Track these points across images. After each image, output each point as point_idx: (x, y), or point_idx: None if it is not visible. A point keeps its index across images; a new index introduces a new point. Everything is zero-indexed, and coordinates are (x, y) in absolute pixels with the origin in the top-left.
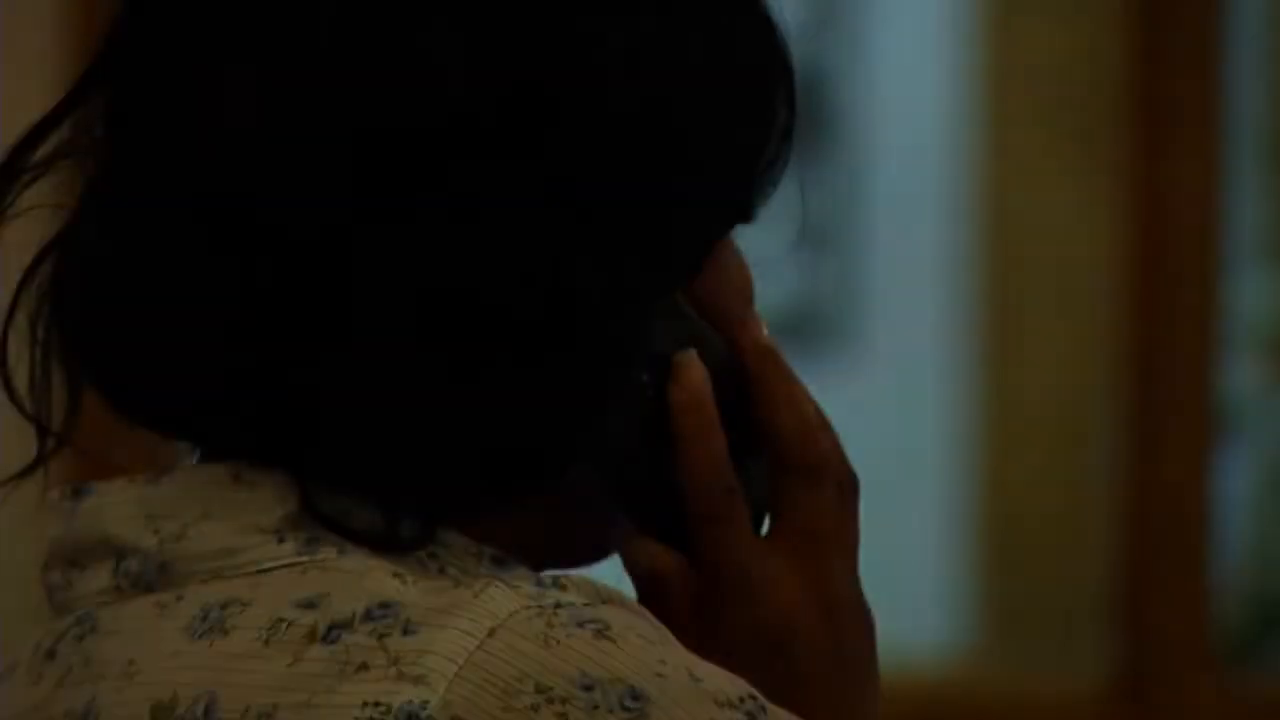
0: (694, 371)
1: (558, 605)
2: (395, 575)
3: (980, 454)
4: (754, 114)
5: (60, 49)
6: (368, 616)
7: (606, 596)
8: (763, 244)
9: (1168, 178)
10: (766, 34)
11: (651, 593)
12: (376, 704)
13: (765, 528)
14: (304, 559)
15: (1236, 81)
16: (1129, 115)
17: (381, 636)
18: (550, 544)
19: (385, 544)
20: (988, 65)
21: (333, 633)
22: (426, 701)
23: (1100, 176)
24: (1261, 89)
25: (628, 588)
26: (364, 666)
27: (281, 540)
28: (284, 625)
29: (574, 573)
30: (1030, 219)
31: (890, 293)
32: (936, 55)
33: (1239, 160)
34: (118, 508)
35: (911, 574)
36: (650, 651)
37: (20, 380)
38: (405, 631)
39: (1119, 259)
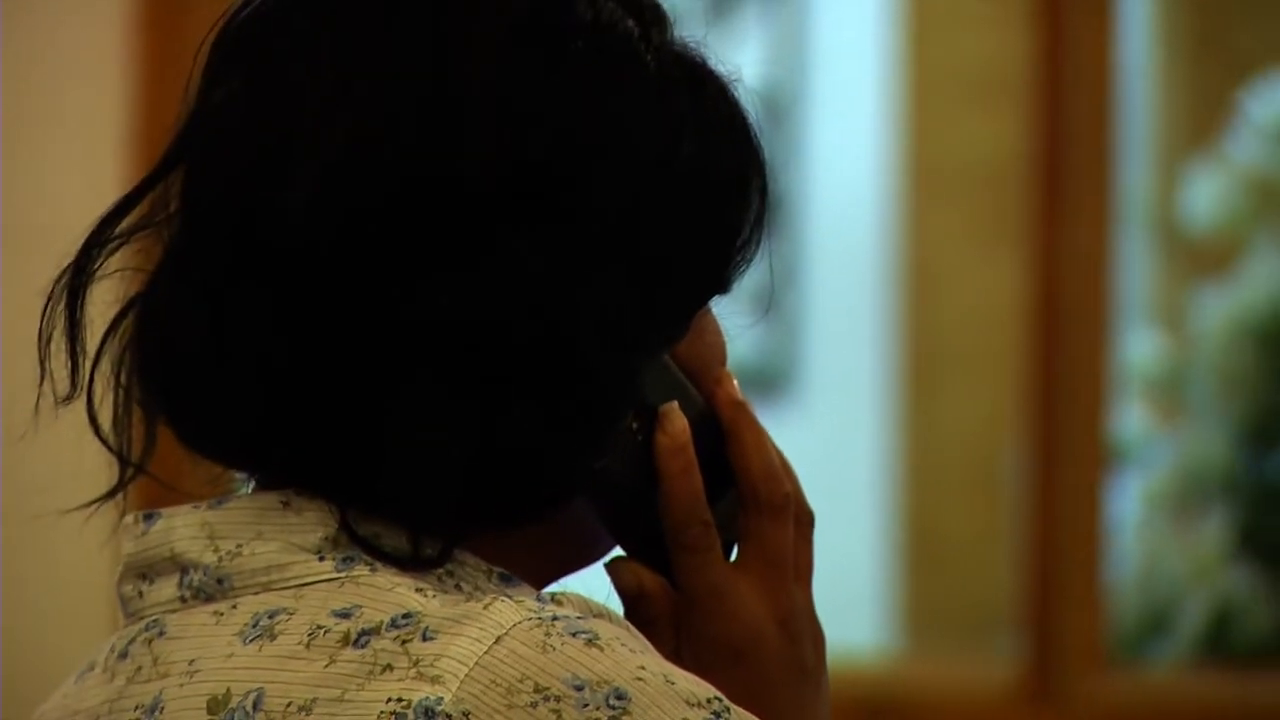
0: (676, 420)
1: (554, 618)
2: (418, 590)
3: (905, 484)
4: (733, 202)
5: (128, 132)
6: (393, 625)
7: (597, 611)
8: (733, 312)
9: (1066, 247)
10: (744, 134)
11: (636, 608)
12: (400, 700)
13: (734, 555)
14: (341, 575)
15: (1126, 163)
16: (1033, 193)
17: (404, 642)
18: (550, 563)
19: (410, 563)
20: (911, 150)
21: (363, 638)
22: (441, 698)
23: (1007, 246)
24: (1147, 170)
25: (616, 604)
26: (389, 667)
27: (321, 558)
28: (322, 631)
29: (569, 590)
30: (947, 284)
31: (826, 349)
32: (866, 143)
33: (1127, 231)
34: (183, 529)
35: (847, 587)
36: (632, 659)
37: (104, 418)
38: (424, 638)
39: (1024, 317)
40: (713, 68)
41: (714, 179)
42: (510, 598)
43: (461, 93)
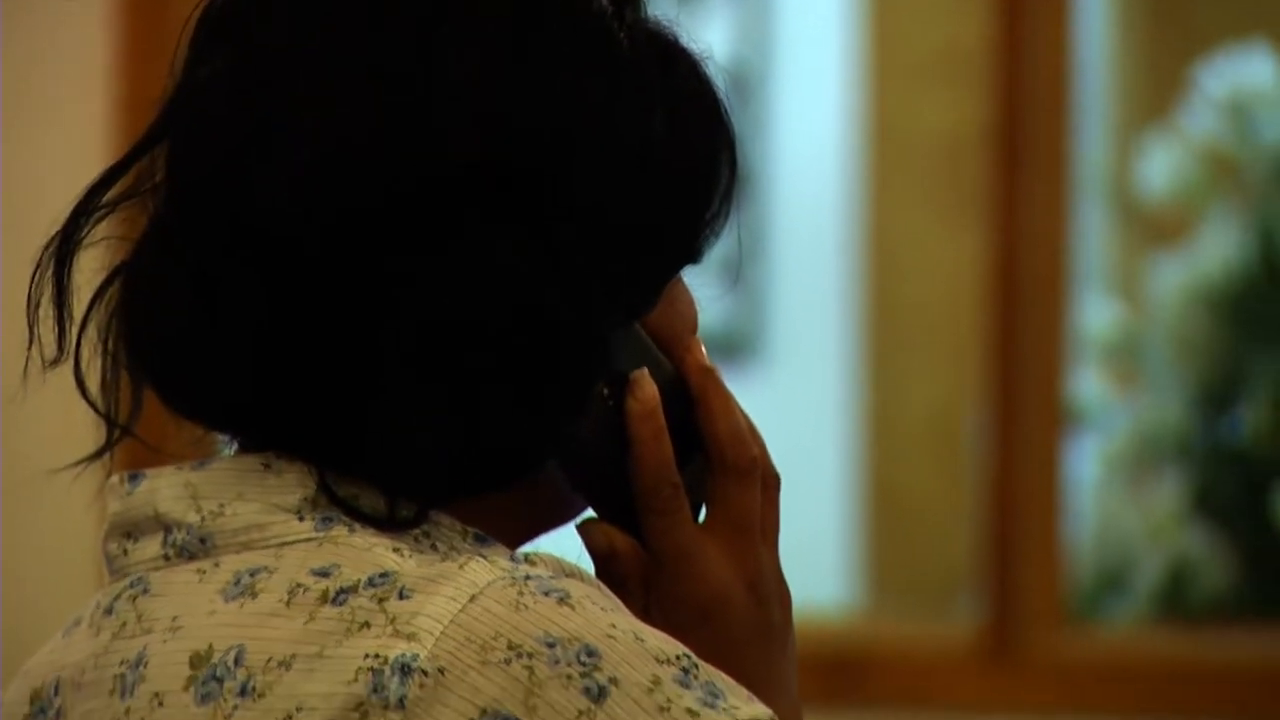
0: (647, 387)
1: (527, 577)
2: (394, 550)
3: (868, 447)
4: (704, 177)
5: (108, 109)
6: (370, 583)
7: (569, 571)
8: (702, 282)
9: (1025, 218)
10: (714, 110)
11: (608, 569)
12: (376, 656)
13: (702, 517)
14: (320, 535)
15: (1083, 136)
16: (992, 165)
17: (381, 600)
18: (524, 524)
19: (387, 524)
20: (874, 124)
21: (341, 596)
22: (417, 655)
23: (968, 216)
24: (1103, 144)
25: (588, 565)
26: (366, 625)
27: (301, 519)
28: (301, 590)
29: (542, 551)
30: (909, 252)
31: (792, 317)
32: (830, 118)
33: (1085, 202)
34: (167, 489)
35: (811, 547)
36: (603, 617)
37: (92, 382)
38: (401, 596)
39: (984, 285)
40: (684, 46)
41: (685, 155)
42: (484, 557)
43: (443, 80)
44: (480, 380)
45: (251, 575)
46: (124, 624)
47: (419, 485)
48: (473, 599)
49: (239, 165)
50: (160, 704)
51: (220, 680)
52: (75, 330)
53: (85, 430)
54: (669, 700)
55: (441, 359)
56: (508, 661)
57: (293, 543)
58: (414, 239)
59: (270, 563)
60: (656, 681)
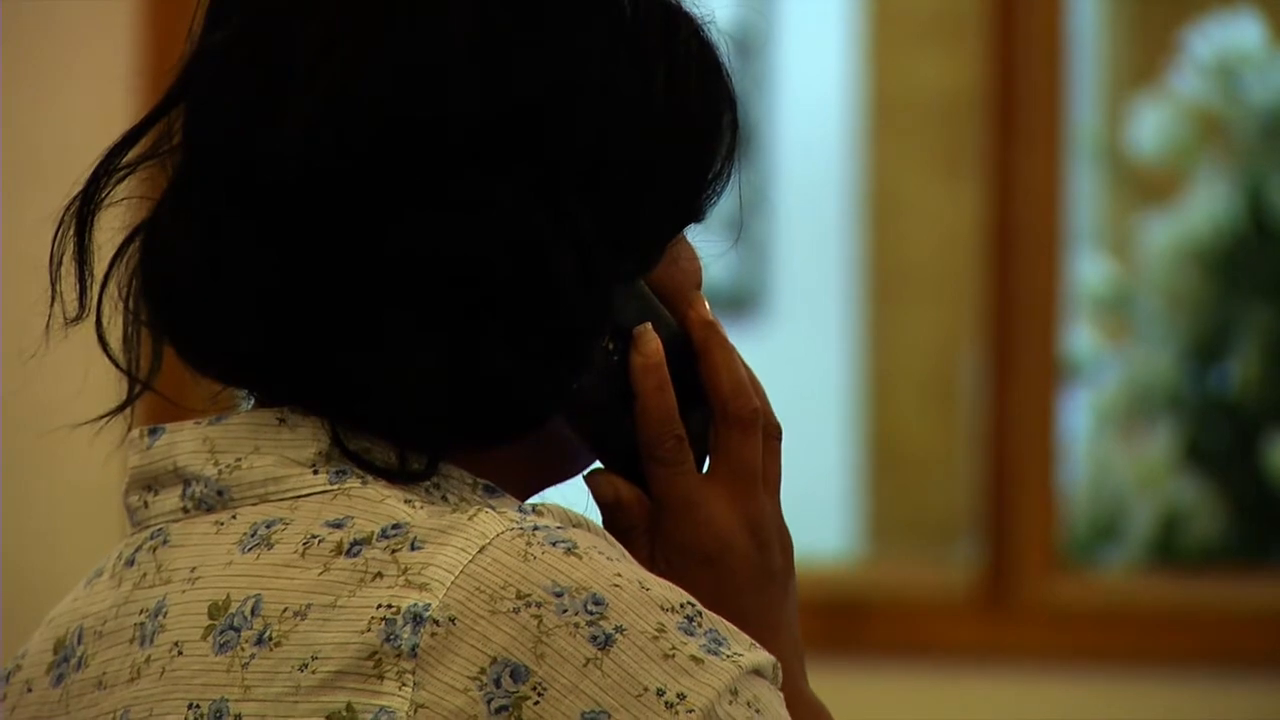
0: (651, 341)
1: (535, 528)
2: (406, 501)
3: (868, 398)
4: (706, 138)
5: (130, 74)
6: (383, 535)
7: (575, 521)
8: (707, 239)
9: (1021, 176)
10: (716, 72)
11: (614, 518)
12: (389, 606)
13: (706, 467)
14: (334, 488)
15: (1076, 97)
16: (988, 125)
17: (394, 551)
18: (532, 476)
19: (398, 476)
20: (874, 84)
21: (354, 547)
22: (429, 604)
23: (964, 175)
24: (1096, 104)
25: (595, 515)
26: (379, 575)
27: (315, 472)
28: (316, 541)
29: (550, 502)
30: (907, 210)
31: (794, 272)
32: (832, 78)
33: (1078, 161)
34: (185, 443)
35: (813, 495)
36: (609, 566)
37: (113, 340)
38: (413, 547)
39: (980, 241)
40: (686, 10)
41: (688, 116)
42: (494, 509)
43: (442, 37)
44: (480, 331)
45: (268, 527)
46: (144, 574)
47: (423, 436)
48: (482, 549)
49: (249, 121)
50: (180, 653)
51: (238, 630)
52: (96, 288)
53: (106, 387)
54: (674, 647)
55: (442, 308)
56: (516, 610)
57: (307, 495)
58: (416, 190)
59: (286, 515)
60: (661, 629)
